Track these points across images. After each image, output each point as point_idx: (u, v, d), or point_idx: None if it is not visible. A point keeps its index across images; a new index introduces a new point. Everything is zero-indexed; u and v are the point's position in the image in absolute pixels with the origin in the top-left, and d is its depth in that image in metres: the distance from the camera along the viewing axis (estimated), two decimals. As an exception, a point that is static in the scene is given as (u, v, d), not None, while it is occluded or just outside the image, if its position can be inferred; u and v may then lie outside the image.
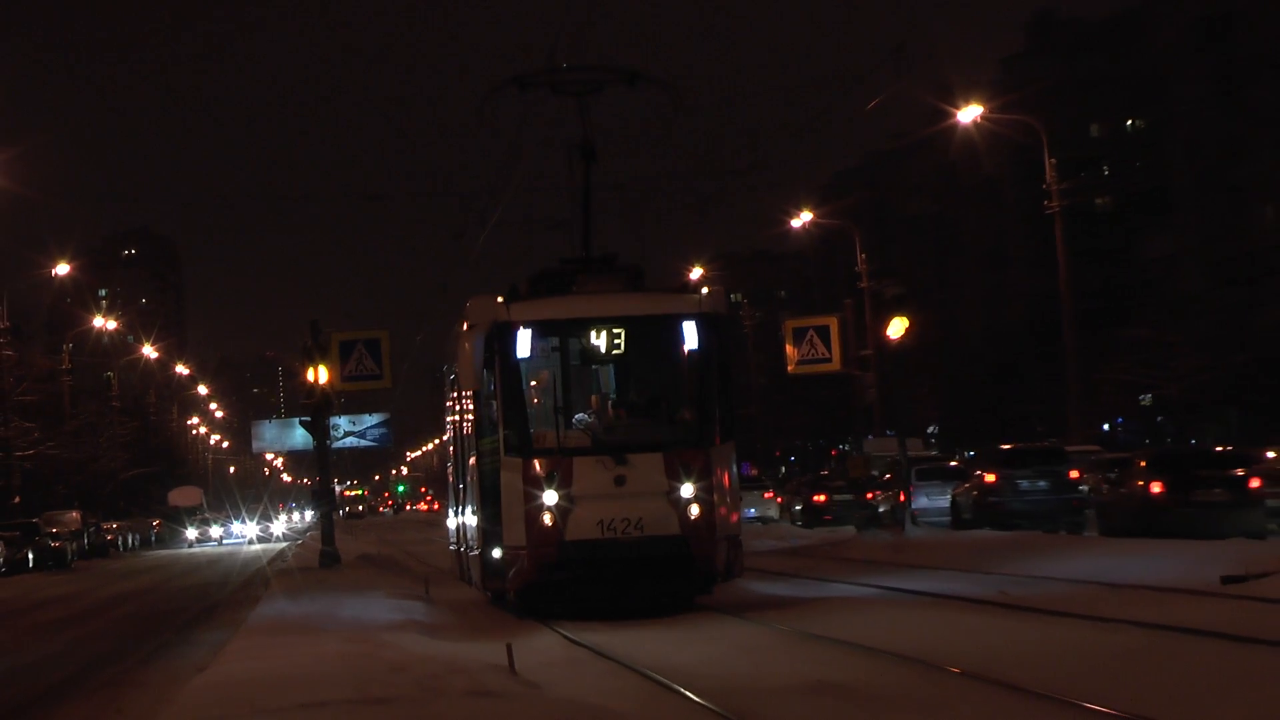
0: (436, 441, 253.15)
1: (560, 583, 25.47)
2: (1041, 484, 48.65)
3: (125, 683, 23.08)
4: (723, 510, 25.73)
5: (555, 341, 26.88)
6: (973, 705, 15.26)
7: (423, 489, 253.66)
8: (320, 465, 53.71)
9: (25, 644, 32.01)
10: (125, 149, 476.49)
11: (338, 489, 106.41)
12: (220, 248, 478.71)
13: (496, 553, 26.44)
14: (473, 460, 29.11)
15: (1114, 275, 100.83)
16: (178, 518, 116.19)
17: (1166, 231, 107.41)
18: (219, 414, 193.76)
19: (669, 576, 25.63)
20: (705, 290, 26.77)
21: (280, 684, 17.26)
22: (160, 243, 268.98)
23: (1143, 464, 42.85)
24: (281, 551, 74.77)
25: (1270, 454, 50.52)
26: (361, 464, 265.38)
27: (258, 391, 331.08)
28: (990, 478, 49.22)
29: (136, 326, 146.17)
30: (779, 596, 28.53)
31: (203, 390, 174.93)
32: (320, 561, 48.19)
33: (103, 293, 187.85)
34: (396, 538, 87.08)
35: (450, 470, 36.40)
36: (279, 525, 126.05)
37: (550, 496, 25.23)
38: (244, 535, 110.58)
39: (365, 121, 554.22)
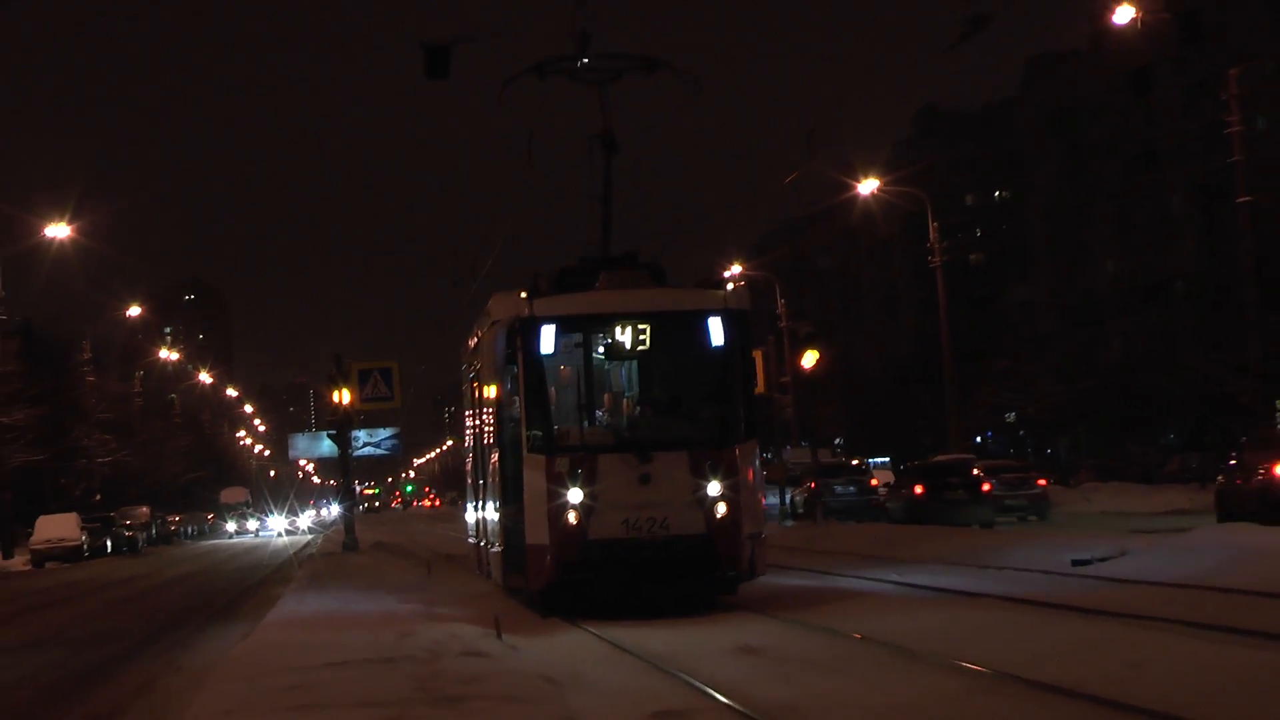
0: (438, 450, 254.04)
1: (582, 582, 20.86)
2: (851, 489, 56.91)
3: (183, 647, 22.99)
4: (748, 509, 21.14)
5: (579, 337, 22.07)
6: (867, 663, 15.23)
7: (426, 489, 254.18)
8: (343, 470, 54.04)
9: (104, 614, 31.97)
10: (178, 206, 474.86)
11: (357, 489, 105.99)
12: (262, 292, 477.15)
13: (518, 550, 21.78)
14: (494, 457, 24.32)
15: (984, 317, 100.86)
16: (226, 512, 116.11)
17: (1026, 282, 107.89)
18: (261, 428, 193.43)
19: (694, 576, 21.14)
20: (730, 286, 22.32)
21: (309, 648, 17.21)
22: (212, 289, 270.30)
23: (911, 473, 50.65)
24: (309, 542, 74.42)
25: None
26: (377, 469, 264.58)
27: (293, 410, 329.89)
28: (814, 484, 55.52)
29: (194, 357, 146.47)
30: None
31: (248, 409, 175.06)
32: (343, 548, 48.29)
33: (167, 330, 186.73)
34: (405, 529, 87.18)
35: (469, 467, 30.96)
36: (304, 520, 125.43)
37: (574, 494, 20.68)
38: (274, 529, 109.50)
39: (381, 176, 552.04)
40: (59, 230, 68.20)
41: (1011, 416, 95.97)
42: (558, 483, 20.74)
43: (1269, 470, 34.62)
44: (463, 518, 37.69)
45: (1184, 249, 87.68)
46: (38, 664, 22.16)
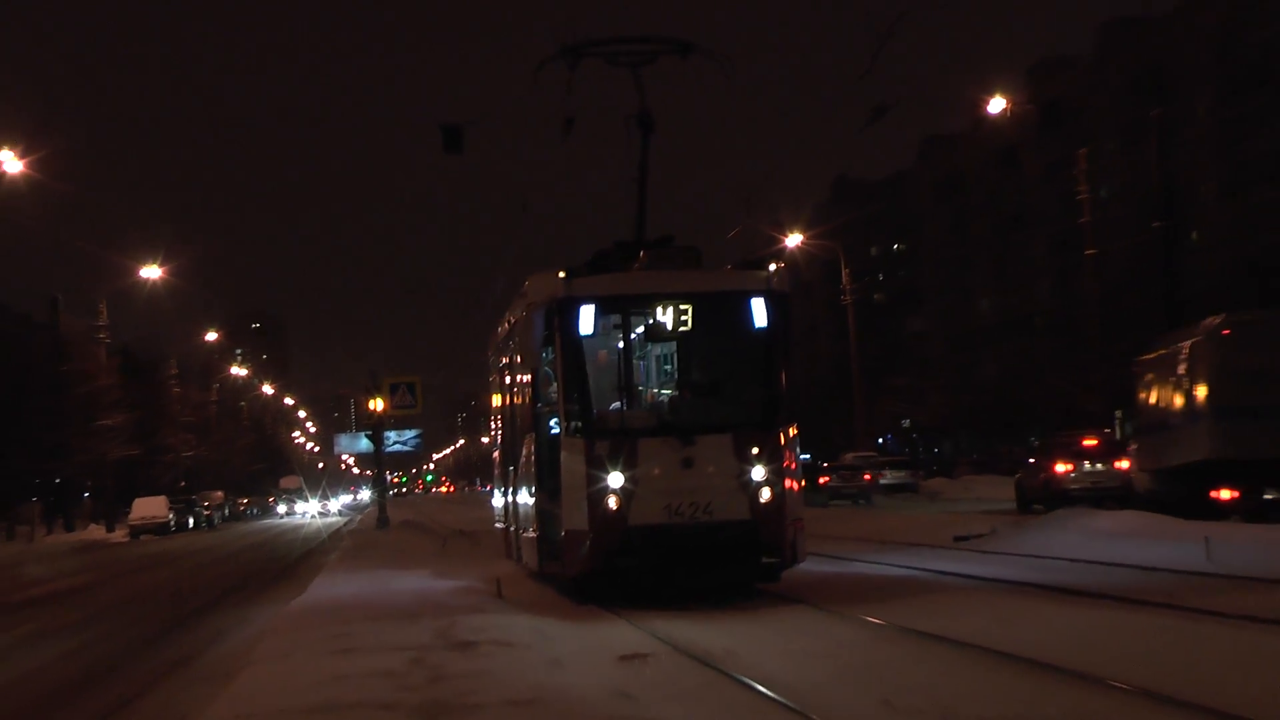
0: (453, 447, 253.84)
1: (622, 569, 16.73)
2: None
3: (249, 603, 22.98)
4: (791, 494, 16.98)
5: (618, 318, 17.81)
6: (791, 619, 15.27)
7: (443, 478, 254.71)
8: (377, 463, 54.22)
9: (187, 577, 31.85)
10: (250, 248, 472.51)
11: (388, 478, 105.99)
12: (314, 319, 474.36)
13: (555, 536, 17.51)
14: (529, 441, 19.54)
15: (885, 344, 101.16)
16: (282, 496, 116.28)
17: (919, 316, 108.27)
18: (311, 429, 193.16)
19: (738, 563, 17.07)
20: (773, 267, 18.01)
21: (349, 605, 17.24)
22: (274, 318, 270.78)
23: None
24: (346, 521, 74.36)
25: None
26: (404, 462, 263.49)
27: (336, 415, 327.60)
28: None
29: (259, 373, 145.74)
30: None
31: (301, 414, 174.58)
32: (377, 524, 48.51)
33: (238, 351, 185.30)
34: (427, 510, 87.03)
35: (498, 455, 25.99)
36: (334, 504, 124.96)
37: (614, 479, 16.51)
38: (310, 512, 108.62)
39: (411, 216, 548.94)
40: (152, 272, 68.39)
41: (907, 423, 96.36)
42: (597, 467, 16.63)
43: (1050, 468, 36.06)
44: (490, 502, 33.39)
45: (1043, 290, 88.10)
46: (133, 616, 22.17)
